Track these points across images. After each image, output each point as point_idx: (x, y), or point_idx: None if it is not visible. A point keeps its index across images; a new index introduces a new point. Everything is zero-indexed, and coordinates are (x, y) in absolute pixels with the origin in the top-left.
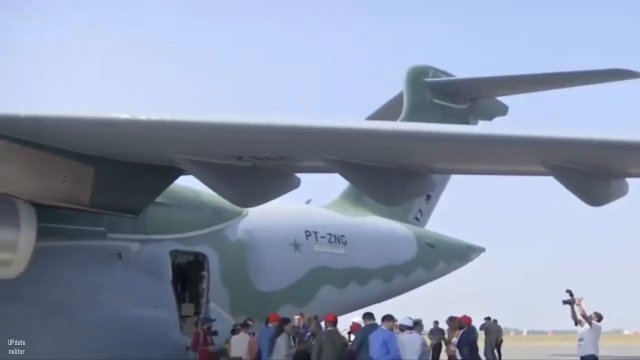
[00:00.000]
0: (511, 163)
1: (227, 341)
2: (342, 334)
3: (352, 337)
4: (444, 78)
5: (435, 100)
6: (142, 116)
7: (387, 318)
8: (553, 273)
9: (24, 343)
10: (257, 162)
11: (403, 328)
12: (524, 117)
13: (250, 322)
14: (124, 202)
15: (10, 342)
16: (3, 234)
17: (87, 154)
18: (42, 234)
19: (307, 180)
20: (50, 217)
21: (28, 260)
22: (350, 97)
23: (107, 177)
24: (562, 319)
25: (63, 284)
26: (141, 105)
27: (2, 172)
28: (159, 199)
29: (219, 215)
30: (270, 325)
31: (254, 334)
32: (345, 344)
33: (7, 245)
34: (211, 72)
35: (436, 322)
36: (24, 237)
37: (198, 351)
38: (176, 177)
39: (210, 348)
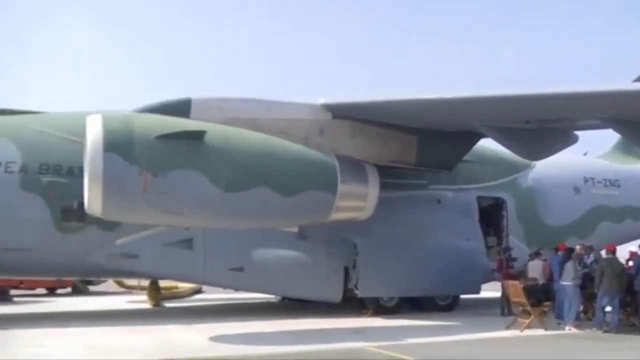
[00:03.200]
0: None
1: (525, 266)
2: (621, 260)
3: (630, 263)
4: None
5: None
6: (450, 95)
7: None
8: None
9: (375, 262)
10: (541, 124)
11: None
12: None
13: (541, 251)
14: (440, 161)
15: (370, 259)
16: (358, 188)
17: (410, 127)
18: (382, 187)
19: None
20: (387, 175)
21: (374, 206)
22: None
23: (426, 143)
24: None
25: (399, 223)
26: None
27: (355, 144)
28: (466, 157)
29: (512, 168)
30: (559, 253)
31: (545, 260)
32: (624, 269)
33: (360, 196)
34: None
35: None
36: (371, 190)
37: (502, 273)
38: (478, 140)
39: (512, 271)
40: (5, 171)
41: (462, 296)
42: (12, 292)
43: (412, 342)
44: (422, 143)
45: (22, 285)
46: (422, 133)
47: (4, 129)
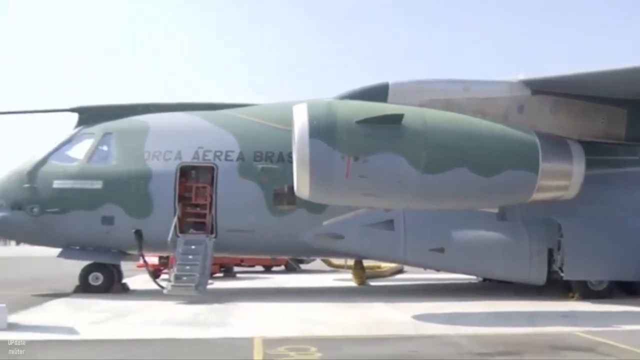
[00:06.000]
0: None
1: None
2: None
3: None
4: None
5: None
6: None
7: None
8: None
9: (582, 244)
10: None
11: None
12: None
13: None
14: None
15: (577, 241)
16: (561, 166)
17: (620, 99)
18: (588, 164)
19: None
20: (594, 151)
21: (579, 185)
22: None
23: (639, 115)
24: None
25: (608, 202)
26: None
27: (556, 120)
28: None
29: None
30: None
31: None
32: None
33: (564, 175)
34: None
35: None
36: (576, 168)
37: None
38: None
39: None
40: (226, 159)
41: None
42: (235, 269)
43: (625, 329)
44: (634, 116)
45: (243, 263)
46: (634, 105)
47: (222, 122)
